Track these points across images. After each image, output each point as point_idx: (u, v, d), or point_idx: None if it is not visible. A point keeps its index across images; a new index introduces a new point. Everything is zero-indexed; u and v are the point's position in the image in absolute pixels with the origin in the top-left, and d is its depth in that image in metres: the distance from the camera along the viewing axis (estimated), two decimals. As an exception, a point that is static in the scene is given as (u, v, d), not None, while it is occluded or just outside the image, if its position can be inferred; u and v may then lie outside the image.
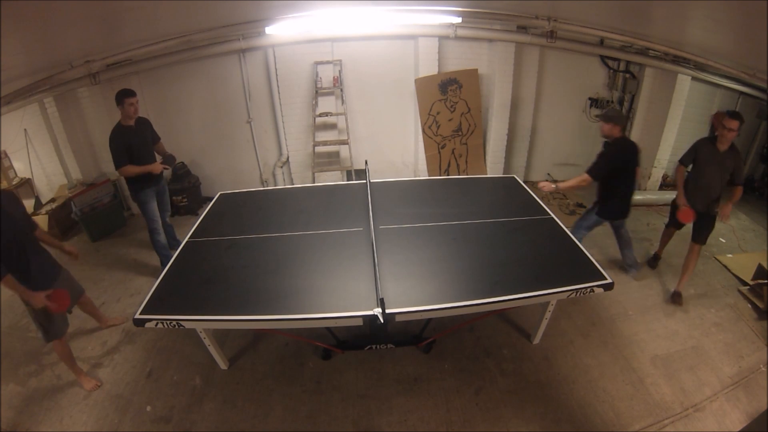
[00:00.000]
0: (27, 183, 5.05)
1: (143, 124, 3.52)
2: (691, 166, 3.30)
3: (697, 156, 3.21)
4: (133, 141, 3.35)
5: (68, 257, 2.58)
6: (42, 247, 2.44)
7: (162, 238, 3.77)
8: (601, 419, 2.44)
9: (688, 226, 3.41)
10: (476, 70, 5.03)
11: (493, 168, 5.51)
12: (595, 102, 5.48)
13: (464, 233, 2.83)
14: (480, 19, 4.44)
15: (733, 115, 3.01)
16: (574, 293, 2.29)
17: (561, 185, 3.20)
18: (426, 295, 2.23)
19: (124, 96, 3.25)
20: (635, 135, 5.54)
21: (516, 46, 4.82)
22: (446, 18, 4.24)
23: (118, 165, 3.31)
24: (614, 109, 3.15)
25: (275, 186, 5.31)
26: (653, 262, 3.92)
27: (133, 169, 3.36)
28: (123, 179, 4.01)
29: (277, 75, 4.82)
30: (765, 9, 2.16)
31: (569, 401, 2.56)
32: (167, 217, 3.95)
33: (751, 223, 4.83)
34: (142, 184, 3.50)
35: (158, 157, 3.63)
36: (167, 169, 3.62)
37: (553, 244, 2.74)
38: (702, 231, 3.32)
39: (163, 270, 2.60)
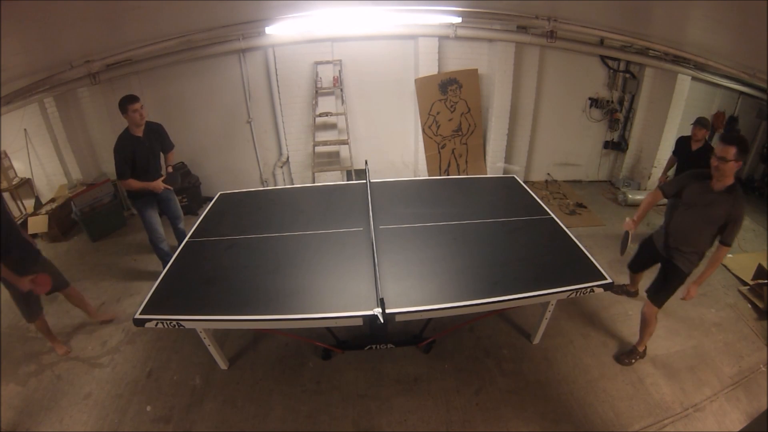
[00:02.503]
0: (27, 183, 5.05)
1: (154, 132, 3.33)
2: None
3: (683, 190, 2.49)
4: (138, 152, 3.19)
5: None
6: (24, 234, 2.77)
7: (165, 245, 3.59)
8: (601, 419, 2.44)
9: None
10: (476, 70, 5.03)
11: (493, 168, 5.51)
12: (595, 102, 5.48)
13: (464, 233, 2.83)
14: (480, 19, 4.44)
15: (726, 138, 2.14)
16: (574, 293, 2.29)
17: None
18: (426, 295, 2.23)
19: (126, 103, 3.06)
20: (635, 135, 5.56)
21: (516, 46, 4.82)
22: (446, 18, 4.24)
23: (119, 176, 3.21)
24: (704, 117, 3.54)
25: (275, 186, 5.31)
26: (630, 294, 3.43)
27: (134, 184, 3.24)
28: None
29: (277, 75, 4.83)
30: (765, 9, 2.17)
31: (569, 401, 2.56)
32: (180, 224, 3.72)
33: (751, 223, 4.83)
34: (140, 193, 3.36)
35: (168, 168, 3.50)
36: (169, 189, 3.47)
37: (553, 244, 2.74)
38: (662, 287, 2.59)
39: (163, 270, 2.60)
